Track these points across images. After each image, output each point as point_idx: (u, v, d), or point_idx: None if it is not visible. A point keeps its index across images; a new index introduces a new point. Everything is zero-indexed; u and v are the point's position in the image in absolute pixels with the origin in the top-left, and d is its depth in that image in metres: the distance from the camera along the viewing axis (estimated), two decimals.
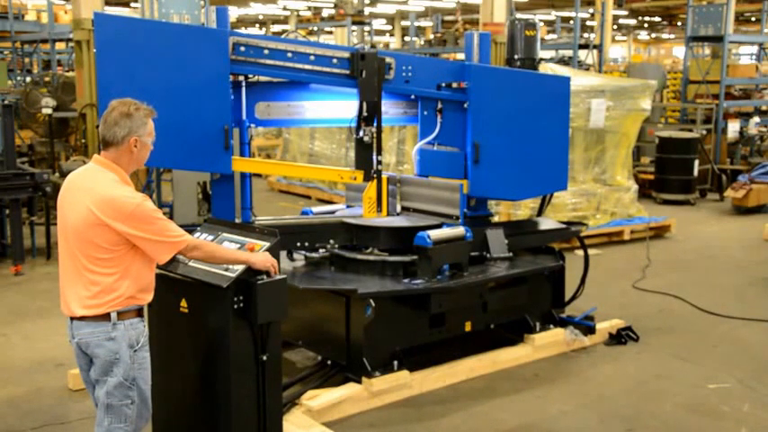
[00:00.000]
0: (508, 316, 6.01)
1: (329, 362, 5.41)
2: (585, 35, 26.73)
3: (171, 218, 6.71)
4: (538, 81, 6.25)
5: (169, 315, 4.06)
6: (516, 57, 6.48)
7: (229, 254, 3.82)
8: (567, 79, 6.33)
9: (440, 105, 5.82)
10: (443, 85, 5.73)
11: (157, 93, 4.52)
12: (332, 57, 5.34)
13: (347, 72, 5.38)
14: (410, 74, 5.62)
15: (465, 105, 5.78)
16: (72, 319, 3.45)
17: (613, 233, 9.98)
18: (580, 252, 7.18)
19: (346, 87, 5.45)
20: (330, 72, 5.35)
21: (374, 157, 5.49)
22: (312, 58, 5.28)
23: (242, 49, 5.08)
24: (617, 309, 7.06)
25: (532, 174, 6.10)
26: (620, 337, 6.37)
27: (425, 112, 5.89)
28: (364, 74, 5.34)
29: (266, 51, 5.16)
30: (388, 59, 5.47)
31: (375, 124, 5.45)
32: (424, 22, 33.32)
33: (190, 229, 3.86)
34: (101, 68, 4.84)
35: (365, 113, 5.39)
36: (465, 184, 5.77)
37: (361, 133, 5.44)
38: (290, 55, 5.23)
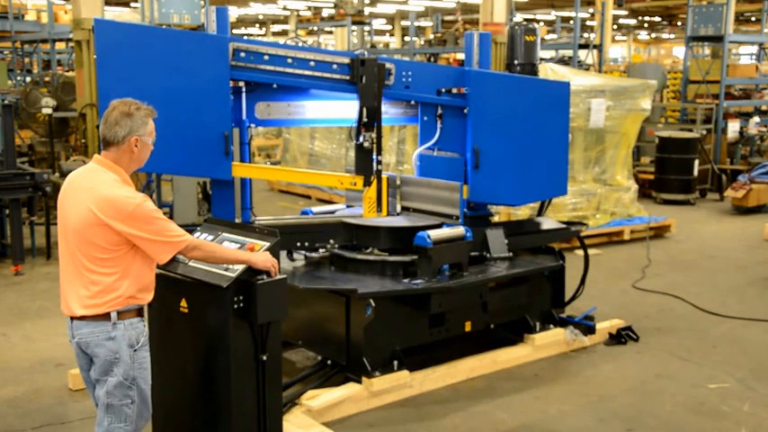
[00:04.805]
0: (508, 316, 6.01)
1: (329, 362, 5.41)
2: (585, 35, 26.76)
3: (171, 218, 6.71)
4: (538, 86, 6.25)
5: (169, 315, 4.06)
6: (516, 62, 6.50)
7: (229, 254, 3.81)
8: (567, 84, 6.33)
9: (440, 111, 5.82)
10: (443, 90, 5.73)
11: (158, 98, 4.48)
12: (332, 62, 5.33)
13: (347, 78, 5.37)
14: (410, 79, 5.61)
15: (465, 111, 5.78)
16: (72, 318, 3.46)
17: (613, 233, 9.98)
18: (580, 252, 7.18)
19: (346, 93, 5.44)
20: (330, 78, 5.34)
21: (374, 158, 5.48)
22: (312, 63, 5.27)
23: (242, 54, 5.07)
24: (617, 309, 7.07)
25: (532, 179, 6.09)
26: (620, 337, 6.37)
27: (425, 118, 5.88)
28: (364, 79, 5.32)
29: (266, 57, 5.15)
30: (387, 65, 5.46)
31: (375, 129, 5.44)
32: (424, 22, 33.32)
33: (190, 229, 3.87)
34: (101, 74, 4.83)
35: (365, 119, 5.37)
36: (465, 190, 5.77)
37: (360, 139, 5.42)
38: (290, 61, 5.22)
